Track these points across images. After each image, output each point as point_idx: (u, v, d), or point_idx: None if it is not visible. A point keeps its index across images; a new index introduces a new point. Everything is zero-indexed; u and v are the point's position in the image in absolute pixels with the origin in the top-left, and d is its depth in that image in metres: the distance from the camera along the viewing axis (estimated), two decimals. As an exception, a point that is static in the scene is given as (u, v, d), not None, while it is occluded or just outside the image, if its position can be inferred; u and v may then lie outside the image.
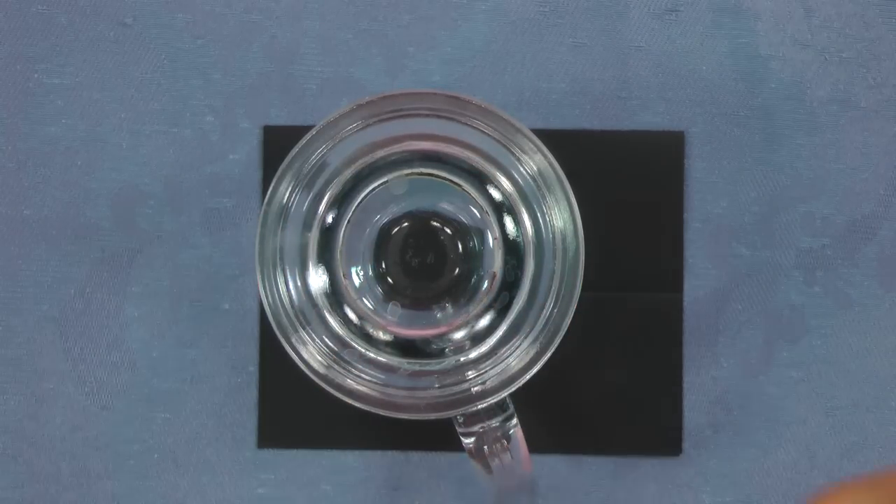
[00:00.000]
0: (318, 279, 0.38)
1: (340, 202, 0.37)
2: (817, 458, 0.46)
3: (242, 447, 0.46)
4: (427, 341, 0.39)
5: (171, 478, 0.46)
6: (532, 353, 0.35)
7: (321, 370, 0.37)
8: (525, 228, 0.36)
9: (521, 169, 0.36)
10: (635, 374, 0.45)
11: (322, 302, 0.38)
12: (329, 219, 0.37)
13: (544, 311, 0.36)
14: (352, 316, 0.38)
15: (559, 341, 0.35)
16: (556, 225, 0.36)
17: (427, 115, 0.36)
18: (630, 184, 0.45)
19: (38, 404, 0.47)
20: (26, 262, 0.47)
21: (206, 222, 0.47)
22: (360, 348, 0.38)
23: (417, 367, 0.38)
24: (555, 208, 0.36)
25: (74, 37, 0.47)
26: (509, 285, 0.36)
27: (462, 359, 0.38)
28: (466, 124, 0.36)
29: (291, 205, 0.36)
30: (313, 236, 0.37)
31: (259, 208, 0.44)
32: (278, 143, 0.46)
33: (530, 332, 0.36)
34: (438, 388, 0.37)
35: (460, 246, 0.36)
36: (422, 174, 0.37)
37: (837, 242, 0.46)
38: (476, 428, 0.36)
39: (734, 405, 0.46)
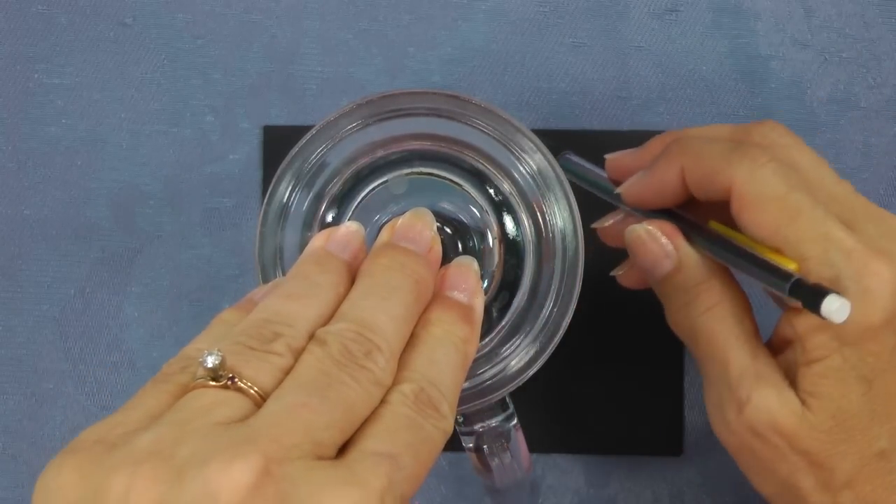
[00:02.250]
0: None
1: (340, 202, 0.37)
2: (817, 458, 0.46)
3: (242, 447, 0.46)
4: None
5: (171, 478, 0.46)
6: (532, 352, 0.35)
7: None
8: (525, 228, 0.36)
9: (521, 168, 0.36)
10: (635, 375, 0.45)
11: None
12: (329, 218, 0.36)
13: (544, 311, 0.36)
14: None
15: (559, 341, 0.35)
16: (555, 224, 0.36)
17: (427, 115, 0.36)
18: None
19: (38, 404, 0.47)
20: (26, 262, 0.47)
21: (206, 222, 0.47)
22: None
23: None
24: (554, 208, 0.36)
25: (74, 37, 0.47)
26: (509, 284, 0.36)
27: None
28: (466, 124, 0.36)
29: (291, 204, 0.36)
30: (313, 236, 0.37)
31: (259, 208, 0.44)
32: (278, 143, 0.46)
33: (530, 331, 0.36)
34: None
35: (460, 245, 0.36)
36: (422, 174, 0.37)
37: (837, 242, 0.46)
38: (476, 427, 0.36)
39: (734, 405, 0.46)
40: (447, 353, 0.29)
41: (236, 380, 0.26)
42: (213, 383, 0.26)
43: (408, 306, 0.29)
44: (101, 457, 0.24)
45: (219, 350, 0.26)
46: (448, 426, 0.27)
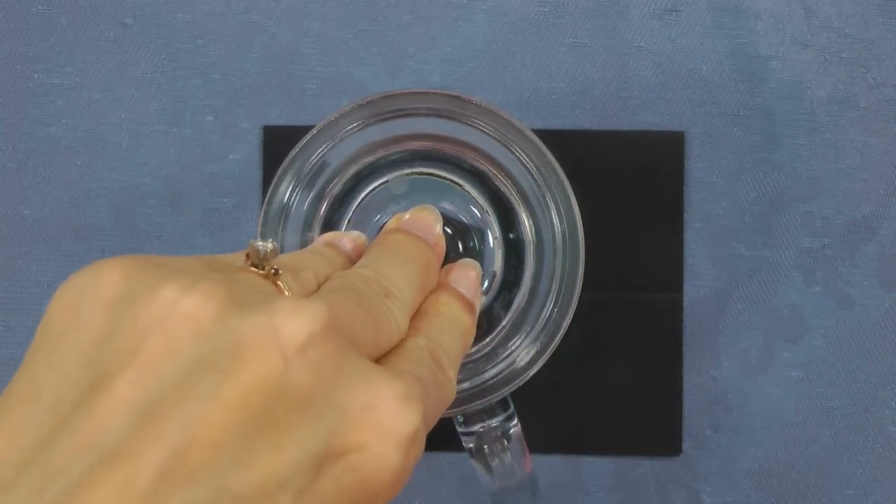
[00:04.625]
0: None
1: (341, 202, 0.37)
2: (817, 458, 0.46)
3: (242, 447, 0.46)
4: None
5: (171, 478, 0.46)
6: (532, 352, 0.35)
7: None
8: (525, 228, 0.36)
9: (521, 168, 0.36)
10: (635, 374, 0.45)
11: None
12: (330, 218, 0.37)
13: (544, 311, 0.36)
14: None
15: (559, 341, 0.35)
16: (556, 224, 0.36)
17: (427, 115, 0.36)
18: (630, 184, 0.46)
19: (38, 404, 0.47)
20: (26, 262, 0.47)
21: (206, 222, 0.47)
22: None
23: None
24: (555, 208, 0.36)
25: (74, 37, 0.47)
26: (509, 285, 0.36)
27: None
28: (467, 124, 0.36)
29: (292, 205, 0.36)
30: (314, 236, 0.37)
31: (259, 208, 0.44)
32: (278, 143, 0.46)
33: (530, 331, 0.36)
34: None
35: (461, 245, 0.36)
36: (422, 174, 0.37)
37: (837, 242, 0.46)
38: (476, 427, 0.36)
39: (734, 405, 0.46)
40: (453, 331, 0.29)
41: (280, 273, 0.24)
42: (255, 270, 0.24)
43: (420, 275, 0.28)
44: (153, 266, 0.22)
45: (273, 241, 0.24)
46: (452, 392, 0.27)
